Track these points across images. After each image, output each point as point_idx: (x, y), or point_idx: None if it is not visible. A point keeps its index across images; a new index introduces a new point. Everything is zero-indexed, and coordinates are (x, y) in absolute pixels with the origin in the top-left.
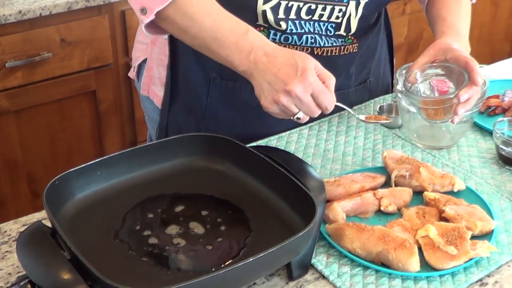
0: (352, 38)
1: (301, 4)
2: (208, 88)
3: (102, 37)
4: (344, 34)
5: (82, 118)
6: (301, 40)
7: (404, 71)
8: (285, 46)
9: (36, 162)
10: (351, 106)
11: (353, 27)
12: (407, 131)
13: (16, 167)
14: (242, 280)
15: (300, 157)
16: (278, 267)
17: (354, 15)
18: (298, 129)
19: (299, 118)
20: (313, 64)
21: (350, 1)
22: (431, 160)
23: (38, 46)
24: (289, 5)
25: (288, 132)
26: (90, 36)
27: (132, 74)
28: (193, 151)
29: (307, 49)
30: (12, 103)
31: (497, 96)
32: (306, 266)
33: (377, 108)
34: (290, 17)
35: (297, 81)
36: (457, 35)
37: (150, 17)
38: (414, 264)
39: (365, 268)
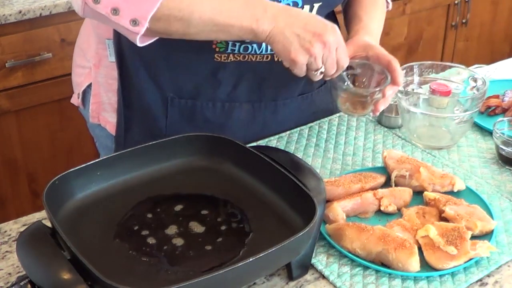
0: None
1: None
2: (166, 109)
3: None
4: None
5: (82, 118)
6: (261, 48)
7: (404, 71)
8: (245, 56)
9: (36, 162)
10: (317, 109)
11: None
12: (407, 131)
13: (16, 167)
14: (242, 280)
15: (300, 157)
16: (278, 267)
17: None
18: (298, 129)
19: (322, 73)
20: None
21: (305, 6)
22: (431, 160)
23: (38, 46)
24: None
25: (288, 132)
26: None
27: (76, 101)
28: (193, 151)
29: (267, 57)
30: (12, 103)
31: (497, 96)
32: (306, 266)
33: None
34: None
35: (330, 32)
36: (370, 35)
37: (145, 25)
38: (414, 264)
39: (365, 268)
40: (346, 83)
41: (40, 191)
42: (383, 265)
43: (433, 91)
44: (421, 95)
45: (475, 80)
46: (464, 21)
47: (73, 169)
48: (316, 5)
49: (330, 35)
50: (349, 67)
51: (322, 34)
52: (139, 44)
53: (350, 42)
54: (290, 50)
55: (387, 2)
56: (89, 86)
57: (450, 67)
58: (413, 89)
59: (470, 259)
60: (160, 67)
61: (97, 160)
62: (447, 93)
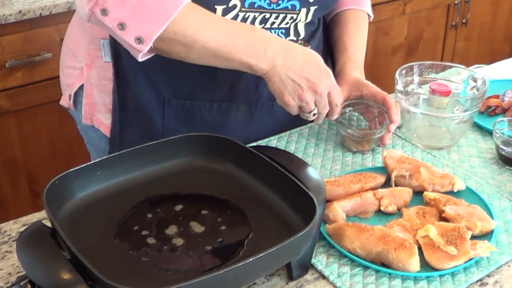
0: (303, 42)
1: (256, 14)
2: (163, 109)
3: None
4: (295, 38)
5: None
6: None
7: (404, 71)
8: None
9: (36, 162)
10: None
11: (302, 31)
12: (407, 131)
13: (16, 167)
14: (242, 280)
15: (300, 157)
16: (278, 267)
17: (303, 20)
18: (298, 129)
19: (315, 114)
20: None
21: (302, 9)
22: (431, 160)
23: (38, 46)
24: (246, 16)
25: (288, 132)
26: None
27: (67, 102)
28: (193, 151)
29: None
30: (12, 103)
31: (497, 96)
32: (306, 266)
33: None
34: None
35: (323, 81)
36: (358, 67)
37: (149, 44)
38: (414, 264)
39: (365, 268)
40: (348, 129)
41: (40, 191)
42: (383, 265)
43: (433, 91)
44: (421, 95)
45: (475, 80)
46: (464, 21)
47: (73, 169)
48: (312, 8)
49: (323, 83)
50: (347, 107)
51: (315, 83)
52: (140, 60)
53: (343, 81)
54: (284, 93)
55: (369, 16)
56: (81, 87)
57: (450, 67)
58: (413, 89)
59: (470, 259)
60: (157, 68)
61: (97, 160)
62: (447, 93)
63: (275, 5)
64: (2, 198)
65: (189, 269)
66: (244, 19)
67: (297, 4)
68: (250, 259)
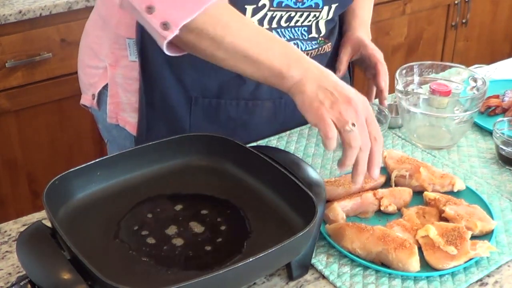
0: (323, 39)
1: (283, 13)
2: (190, 108)
3: None
4: (316, 36)
5: (82, 118)
6: None
7: (404, 71)
8: None
9: (36, 162)
10: None
11: (322, 29)
12: (407, 131)
13: (16, 167)
14: (242, 280)
15: (300, 157)
16: (278, 267)
17: (324, 18)
18: (298, 129)
19: (354, 125)
20: None
21: (324, 7)
22: (431, 160)
23: (38, 46)
24: (274, 15)
25: (288, 132)
26: None
27: (90, 102)
28: (193, 151)
29: None
30: (12, 103)
31: (497, 96)
32: (306, 266)
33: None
34: (272, 26)
35: (359, 100)
36: (364, 26)
37: (175, 31)
38: (414, 264)
39: (365, 268)
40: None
41: (40, 191)
42: (383, 265)
43: (433, 91)
44: (421, 95)
45: (475, 80)
46: (464, 21)
47: (73, 169)
48: (334, 6)
49: (359, 102)
50: None
51: (350, 97)
52: (166, 51)
53: (347, 40)
54: (314, 101)
55: None
56: (105, 86)
57: (450, 67)
58: (413, 89)
59: (470, 259)
60: (185, 68)
61: (97, 160)
62: (447, 93)
63: (300, 3)
64: (2, 198)
65: (189, 269)
66: (272, 18)
67: (320, 2)
68: (250, 259)
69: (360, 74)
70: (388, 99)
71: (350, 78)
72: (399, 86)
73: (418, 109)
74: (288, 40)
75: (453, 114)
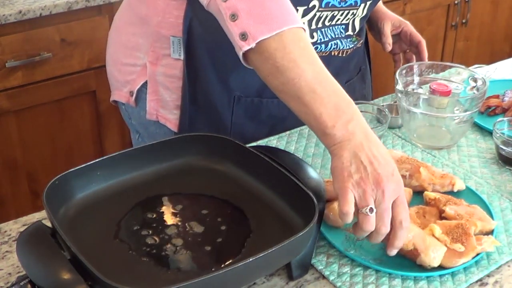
0: (356, 36)
1: (328, 13)
2: (232, 107)
3: (102, 37)
4: (351, 33)
5: (82, 118)
6: (327, 47)
7: (404, 71)
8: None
9: (36, 162)
10: (354, 95)
11: (357, 26)
12: (407, 131)
13: (16, 167)
14: (242, 280)
15: (300, 157)
16: (278, 267)
17: (360, 15)
18: (298, 129)
19: (372, 210)
20: None
21: (361, 4)
22: (431, 160)
23: (38, 46)
24: (321, 15)
25: (288, 132)
26: (90, 36)
27: (126, 98)
28: (193, 151)
29: (326, 53)
30: (12, 103)
31: (497, 96)
32: (306, 266)
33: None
34: (318, 26)
35: (391, 181)
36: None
37: (251, 45)
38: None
39: (365, 268)
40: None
41: (40, 191)
42: (383, 265)
43: (433, 91)
44: (421, 95)
45: (475, 80)
46: (464, 21)
47: (73, 169)
48: (368, 3)
49: (390, 184)
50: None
51: (382, 176)
52: (243, 62)
53: (385, 17)
54: (344, 170)
55: None
56: (143, 84)
57: (450, 67)
58: (413, 89)
59: (478, 254)
60: (229, 67)
61: (97, 160)
62: (447, 93)
63: (344, 3)
64: (2, 198)
65: (189, 269)
66: (319, 18)
67: (358, 0)
68: (250, 259)
69: (377, 62)
70: (388, 99)
71: (369, 64)
72: (399, 86)
73: (418, 109)
74: (330, 40)
75: (453, 114)
